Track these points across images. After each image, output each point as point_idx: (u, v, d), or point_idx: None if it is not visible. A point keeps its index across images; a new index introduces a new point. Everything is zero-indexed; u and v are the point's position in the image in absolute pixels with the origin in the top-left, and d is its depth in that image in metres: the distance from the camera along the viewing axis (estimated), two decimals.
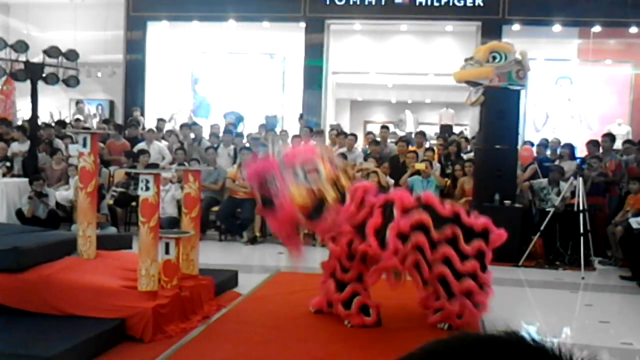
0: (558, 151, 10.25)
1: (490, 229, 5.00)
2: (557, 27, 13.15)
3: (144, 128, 12.25)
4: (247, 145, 10.71)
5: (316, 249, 7.99)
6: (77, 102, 14.38)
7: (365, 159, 10.06)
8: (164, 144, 11.14)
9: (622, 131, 13.07)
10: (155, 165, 9.72)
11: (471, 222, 4.97)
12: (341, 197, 4.91)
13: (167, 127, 12.80)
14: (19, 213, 8.86)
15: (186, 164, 9.33)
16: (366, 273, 5.05)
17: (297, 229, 5.10)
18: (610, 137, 9.75)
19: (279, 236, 5.36)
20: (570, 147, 10.12)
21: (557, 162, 9.68)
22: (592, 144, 9.63)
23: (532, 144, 10.92)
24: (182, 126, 12.00)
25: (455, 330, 4.84)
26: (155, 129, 11.60)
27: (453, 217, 4.93)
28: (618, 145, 10.39)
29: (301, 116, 13.31)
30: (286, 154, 5.05)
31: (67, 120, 13.02)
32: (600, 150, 9.58)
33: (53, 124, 12.10)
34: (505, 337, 0.78)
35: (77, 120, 13.04)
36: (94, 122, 13.69)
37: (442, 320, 5.01)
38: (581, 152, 10.58)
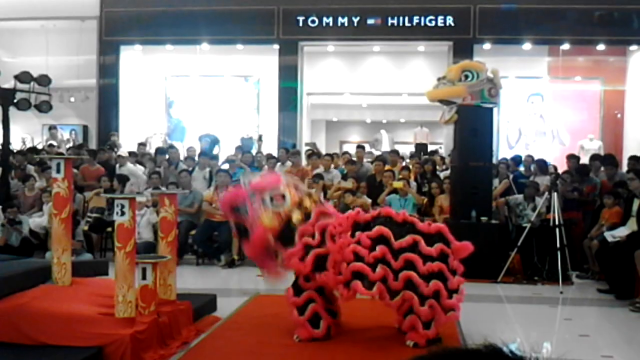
0: (532, 168, 10.38)
1: (445, 233, 5.08)
2: (527, 46, 13.38)
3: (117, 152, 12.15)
4: (223, 167, 10.67)
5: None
6: (50, 128, 14.23)
7: (344, 179, 10.08)
8: (138, 167, 11.04)
9: (594, 146, 13.33)
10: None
11: (426, 229, 5.07)
12: (306, 217, 5.17)
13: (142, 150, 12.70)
14: None
15: (162, 188, 9.25)
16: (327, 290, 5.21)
17: (272, 252, 5.19)
18: (576, 158, 10.13)
19: (255, 260, 5.62)
20: (543, 163, 10.25)
21: (531, 178, 9.79)
22: (572, 158, 9.87)
23: (506, 161, 10.99)
24: (157, 150, 11.92)
25: (422, 348, 4.80)
26: (128, 153, 11.53)
27: (409, 226, 5.08)
28: (585, 160, 10.59)
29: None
30: (254, 184, 5.40)
31: (40, 147, 12.85)
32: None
33: (25, 151, 11.94)
34: (484, 350, 0.78)
35: (51, 145, 12.89)
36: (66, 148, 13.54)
37: (408, 328, 4.97)
38: (560, 167, 10.74)
